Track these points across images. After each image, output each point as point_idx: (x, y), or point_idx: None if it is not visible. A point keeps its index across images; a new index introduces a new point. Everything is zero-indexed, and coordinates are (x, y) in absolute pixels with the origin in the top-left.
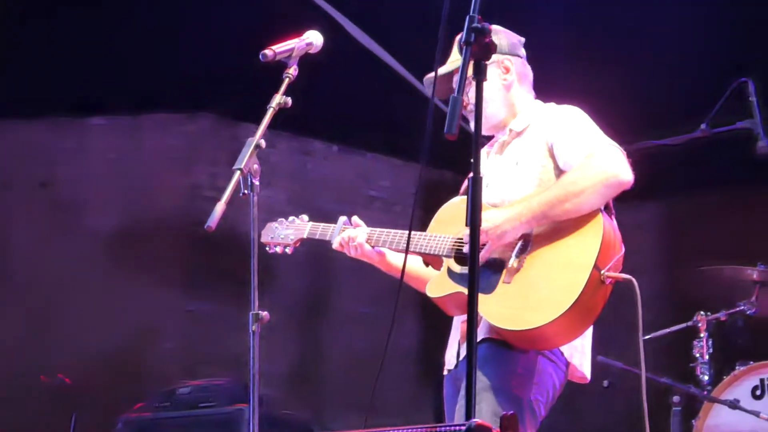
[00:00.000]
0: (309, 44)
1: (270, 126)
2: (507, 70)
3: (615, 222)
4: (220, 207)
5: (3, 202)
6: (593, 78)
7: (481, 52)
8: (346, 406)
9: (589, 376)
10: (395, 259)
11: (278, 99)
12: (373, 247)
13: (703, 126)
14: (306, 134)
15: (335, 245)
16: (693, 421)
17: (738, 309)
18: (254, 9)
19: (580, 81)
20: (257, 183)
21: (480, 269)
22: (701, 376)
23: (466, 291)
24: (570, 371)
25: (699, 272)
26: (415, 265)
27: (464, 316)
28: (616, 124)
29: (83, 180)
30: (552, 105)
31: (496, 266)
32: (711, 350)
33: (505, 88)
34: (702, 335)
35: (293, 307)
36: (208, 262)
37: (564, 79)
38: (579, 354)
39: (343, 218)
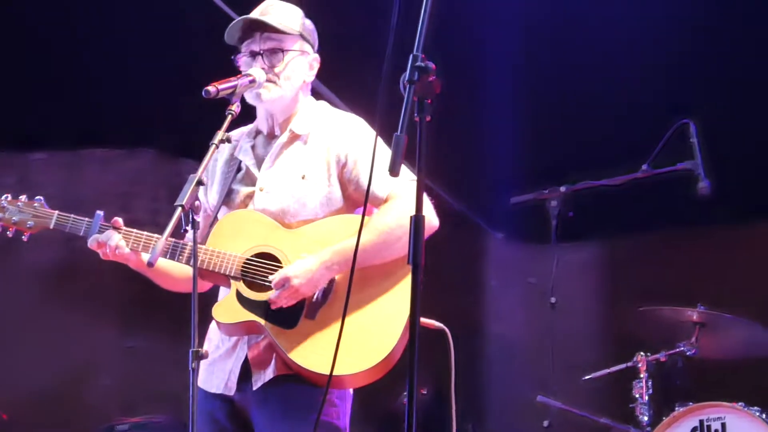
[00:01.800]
0: (252, 81)
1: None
2: (311, 68)
3: None
4: (161, 243)
5: None
6: (536, 117)
7: (424, 90)
8: None
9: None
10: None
11: (220, 135)
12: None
13: (644, 166)
14: None
15: (91, 244)
16: None
17: (678, 350)
18: (197, 45)
19: (522, 120)
20: (199, 219)
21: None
22: (641, 416)
23: (261, 320)
24: None
25: (639, 313)
26: (166, 263)
27: (248, 339)
28: (559, 163)
29: None
30: (328, 108)
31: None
32: (651, 391)
33: (305, 85)
34: (642, 376)
35: None
36: (147, 298)
37: (506, 118)
38: None
39: (100, 214)
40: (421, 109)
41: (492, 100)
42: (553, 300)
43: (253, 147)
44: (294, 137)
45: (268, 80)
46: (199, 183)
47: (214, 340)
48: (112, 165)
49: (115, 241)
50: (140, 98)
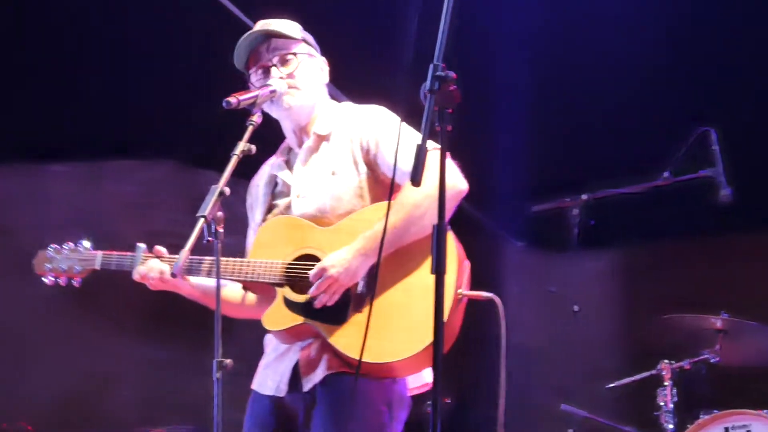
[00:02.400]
0: (273, 92)
1: (234, 173)
2: (322, 70)
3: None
4: (184, 254)
5: None
6: (557, 124)
7: (444, 99)
8: None
9: (428, 380)
10: (197, 282)
11: (242, 146)
12: (176, 275)
13: (666, 174)
14: None
15: (136, 276)
16: None
17: (702, 357)
18: (218, 56)
19: (543, 128)
20: (221, 230)
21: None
22: (665, 424)
23: (309, 320)
24: (411, 381)
25: (662, 321)
26: (226, 290)
27: (302, 342)
28: (580, 171)
29: (43, 227)
30: (349, 104)
31: (343, 296)
32: (675, 399)
33: (323, 88)
34: (666, 384)
35: (257, 353)
36: (170, 308)
37: (527, 126)
38: None
39: (142, 246)
40: (442, 119)
41: (513, 109)
42: (576, 308)
43: (286, 162)
44: (319, 139)
45: (290, 87)
46: (221, 194)
47: (271, 343)
48: (131, 176)
49: (158, 268)
50: (160, 109)
